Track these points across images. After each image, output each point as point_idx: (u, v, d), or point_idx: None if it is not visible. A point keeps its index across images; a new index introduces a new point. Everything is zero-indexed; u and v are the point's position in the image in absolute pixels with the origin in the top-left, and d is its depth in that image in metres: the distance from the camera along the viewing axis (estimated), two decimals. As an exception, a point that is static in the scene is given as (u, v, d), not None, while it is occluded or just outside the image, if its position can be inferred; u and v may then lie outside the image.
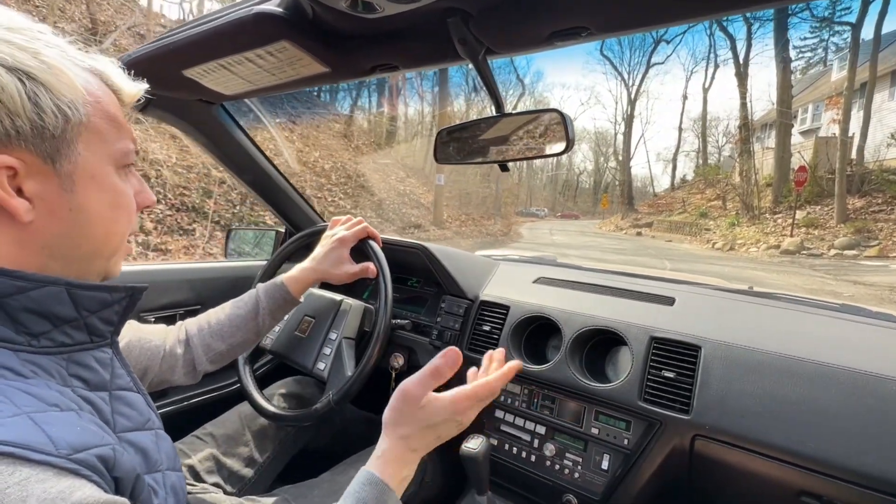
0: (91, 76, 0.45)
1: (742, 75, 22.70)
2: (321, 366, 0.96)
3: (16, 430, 0.33)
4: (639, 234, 24.01)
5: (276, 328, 1.06)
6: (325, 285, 1.22)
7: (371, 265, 0.99)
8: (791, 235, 14.32)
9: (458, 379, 0.62)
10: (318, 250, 0.97)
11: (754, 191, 17.87)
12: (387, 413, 0.57)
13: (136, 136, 0.51)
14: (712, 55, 35.72)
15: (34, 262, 0.42)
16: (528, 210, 50.26)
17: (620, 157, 43.92)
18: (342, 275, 0.97)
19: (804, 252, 13.06)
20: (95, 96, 0.44)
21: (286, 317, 1.08)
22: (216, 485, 0.89)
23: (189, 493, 0.80)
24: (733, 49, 25.10)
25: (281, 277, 0.92)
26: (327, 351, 0.98)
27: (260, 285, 0.91)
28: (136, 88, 0.50)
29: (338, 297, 1.08)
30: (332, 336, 1.00)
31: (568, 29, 0.59)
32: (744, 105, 21.32)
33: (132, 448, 0.44)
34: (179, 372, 0.80)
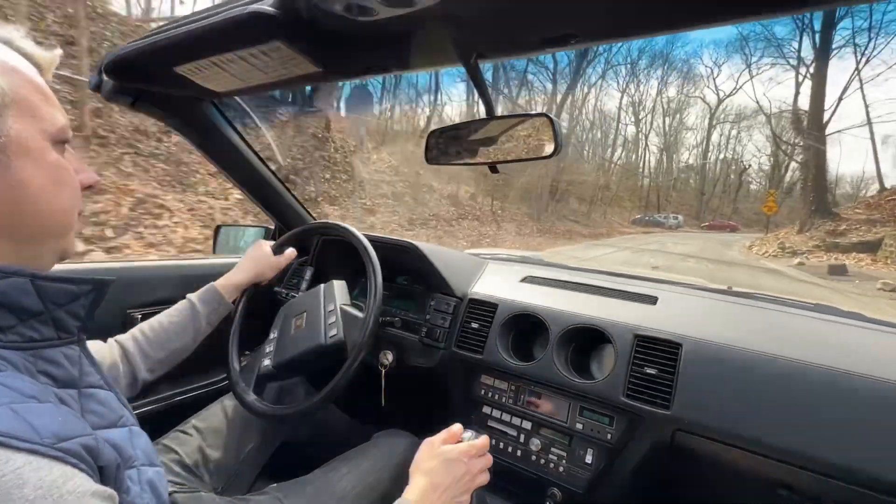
0: (1, 46, 0.43)
1: None
2: (333, 332, 0.98)
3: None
4: (837, 268, 10.52)
5: (269, 348, 1.06)
6: (313, 283, 1.22)
7: (293, 248, 1.14)
8: None
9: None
10: (244, 258, 1.09)
11: None
12: (415, 458, 0.71)
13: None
14: None
15: None
16: (651, 217, 36.43)
17: (805, 124, 22.79)
18: (270, 265, 1.10)
19: None
20: (11, 66, 0.43)
21: (275, 333, 1.09)
22: (201, 478, 0.90)
23: (177, 491, 0.80)
24: None
25: (213, 284, 0.98)
26: (332, 319, 1.01)
27: (190, 295, 0.96)
28: (51, 54, 0.48)
29: (316, 287, 1.11)
30: (330, 307, 1.03)
31: (557, 36, 0.61)
32: None
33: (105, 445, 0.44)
34: (122, 384, 0.81)
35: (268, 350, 1.06)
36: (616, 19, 0.58)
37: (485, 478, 0.73)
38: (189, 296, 0.96)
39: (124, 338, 0.85)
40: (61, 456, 0.34)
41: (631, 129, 44.87)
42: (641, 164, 45.34)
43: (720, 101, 45.46)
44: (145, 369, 0.84)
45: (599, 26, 0.60)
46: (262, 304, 1.16)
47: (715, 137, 46.99)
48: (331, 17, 0.58)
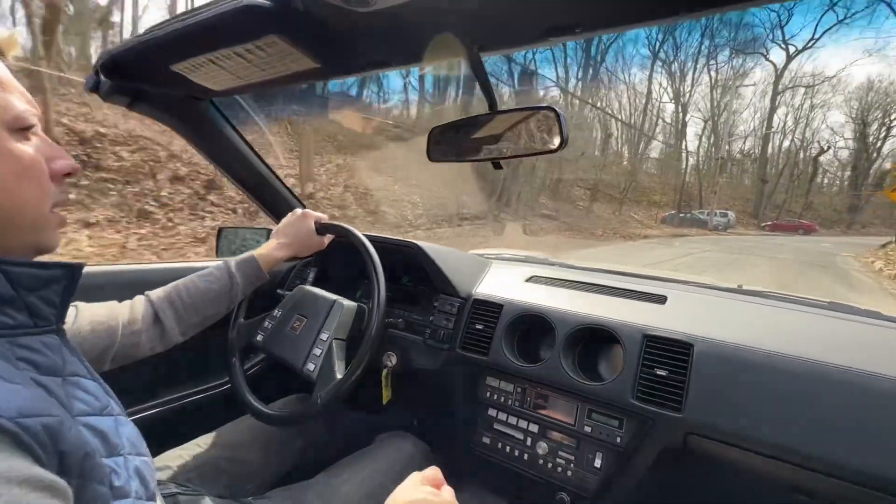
0: None
1: None
2: (310, 366, 0.95)
3: None
4: None
5: (268, 324, 1.05)
6: (317, 285, 1.20)
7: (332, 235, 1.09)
8: None
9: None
10: (283, 228, 1.04)
11: None
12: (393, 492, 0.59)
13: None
14: None
15: None
16: (688, 214, 28.07)
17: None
18: (311, 244, 1.05)
19: None
20: None
21: (278, 313, 1.07)
22: (206, 483, 0.88)
23: (181, 493, 0.79)
24: None
25: (252, 254, 0.96)
26: (317, 351, 0.96)
27: (230, 260, 0.94)
28: (8, 35, 0.47)
29: (331, 296, 1.06)
30: (323, 336, 0.98)
31: (562, 26, 0.59)
32: None
33: (90, 431, 0.43)
34: (145, 346, 0.81)
35: (266, 325, 1.06)
36: (623, 7, 0.55)
37: None
38: (228, 261, 0.94)
39: (158, 296, 0.85)
40: (16, 431, 0.33)
41: (664, 98, 34.91)
42: (678, 144, 34.69)
43: (789, 59, 34.68)
44: (179, 332, 0.85)
45: (606, 15, 0.57)
46: (262, 307, 1.14)
47: (780, 112, 36.15)
48: (326, 7, 0.56)
